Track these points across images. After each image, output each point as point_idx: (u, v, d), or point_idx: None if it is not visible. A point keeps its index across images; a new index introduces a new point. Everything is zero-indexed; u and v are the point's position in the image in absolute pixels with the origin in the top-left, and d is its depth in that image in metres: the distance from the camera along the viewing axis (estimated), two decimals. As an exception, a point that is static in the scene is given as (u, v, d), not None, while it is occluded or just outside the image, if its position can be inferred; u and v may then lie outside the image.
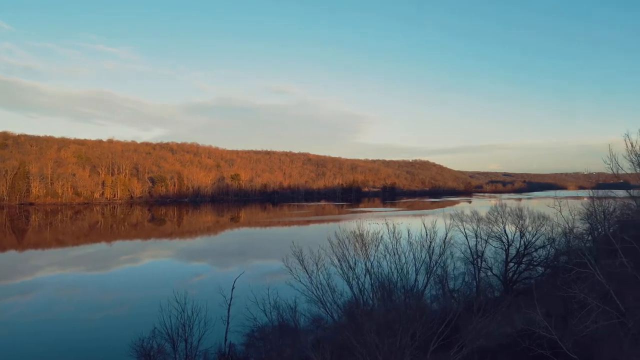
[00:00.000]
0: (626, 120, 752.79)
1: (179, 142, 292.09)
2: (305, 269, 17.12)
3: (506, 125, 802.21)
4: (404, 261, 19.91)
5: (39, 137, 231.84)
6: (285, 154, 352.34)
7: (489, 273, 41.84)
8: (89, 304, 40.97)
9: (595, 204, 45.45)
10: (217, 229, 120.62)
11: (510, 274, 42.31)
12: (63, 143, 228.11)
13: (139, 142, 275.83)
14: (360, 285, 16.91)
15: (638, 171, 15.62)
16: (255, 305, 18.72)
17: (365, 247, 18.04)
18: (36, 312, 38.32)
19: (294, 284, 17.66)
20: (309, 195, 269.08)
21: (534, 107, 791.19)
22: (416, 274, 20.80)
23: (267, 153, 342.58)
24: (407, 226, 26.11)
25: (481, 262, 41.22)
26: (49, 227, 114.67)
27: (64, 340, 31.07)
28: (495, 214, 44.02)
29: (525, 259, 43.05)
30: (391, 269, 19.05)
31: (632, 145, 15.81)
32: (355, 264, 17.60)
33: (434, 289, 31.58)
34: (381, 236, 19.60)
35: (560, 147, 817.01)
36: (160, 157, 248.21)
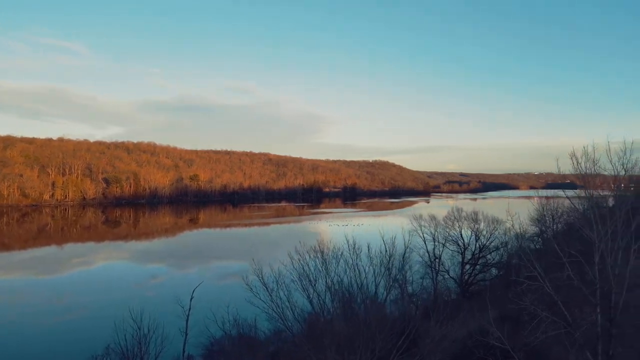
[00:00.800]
0: (578, 123, 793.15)
1: (136, 141, 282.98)
2: (265, 286, 16.92)
3: (463, 126, 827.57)
4: (364, 276, 20.11)
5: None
6: (246, 154, 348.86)
7: (447, 276, 43.07)
8: (34, 315, 38.64)
9: (544, 209, 47.76)
10: (175, 231, 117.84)
11: (466, 277, 43.73)
12: (9, 141, 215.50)
13: (92, 140, 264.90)
14: (321, 301, 16.91)
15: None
16: (214, 323, 18.37)
17: (326, 262, 18.07)
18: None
19: (254, 301, 17.42)
20: (269, 196, 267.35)
21: (490, 108, 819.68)
22: (376, 287, 21.05)
23: (227, 153, 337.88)
24: (368, 241, 26.38)
25: (439, 266, 42.36)
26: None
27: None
28: (452, 218, 45.37)
29: (480, 262, 44.68)
30: (352, 283, 19.18)
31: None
32: (316, 279, 17.60)
33: (393, 295, 32.15)
34: (342, 252, 19.65)
35: (513, 148, 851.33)
36: (115, 157, 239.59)
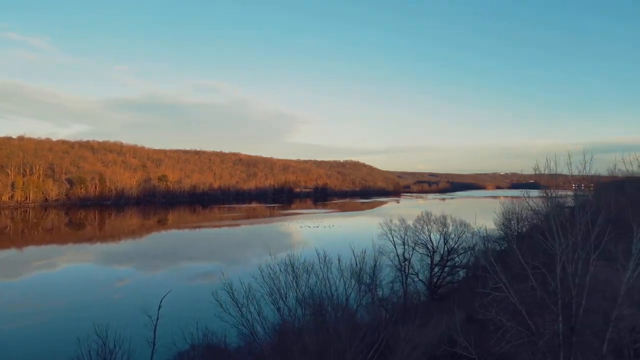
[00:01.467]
0: (542, 125, 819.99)
1: (101, 140, 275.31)
2: (235, 302, 16.72)
3: (433, 127, 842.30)
4: (334, 284, 20.17)
5: None
6: (216, 153, 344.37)
7: (416, 279, 43.78)
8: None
9: (510, 212, 49.25)
10: (143, 233, 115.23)
11: (435, 279, 44.55)
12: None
13: (54, 139, 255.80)
14: (292, 314, 16.84)
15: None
16: (183, 337, 18.02)
17: (297, 276, 18.02)
18: None
19: (224, 316, 17.17)
20: (240, 196, 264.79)
21: (458, 109, 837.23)
22: (347, 296, 21.14)
23: (197, 153, 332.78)
24: (339, 246, 26.50)
25: (409, 269, 42.99)
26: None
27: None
28: (422, 222, 46.11)
29: (448, 264, 45.60)
30: (322, 293, 19.19)
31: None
32: (286, 293, 17.50)
33: (364, 300, 32.37)
34: (312, 266, 19.61)
35: (481, 149, 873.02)
36: (79, 157, 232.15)
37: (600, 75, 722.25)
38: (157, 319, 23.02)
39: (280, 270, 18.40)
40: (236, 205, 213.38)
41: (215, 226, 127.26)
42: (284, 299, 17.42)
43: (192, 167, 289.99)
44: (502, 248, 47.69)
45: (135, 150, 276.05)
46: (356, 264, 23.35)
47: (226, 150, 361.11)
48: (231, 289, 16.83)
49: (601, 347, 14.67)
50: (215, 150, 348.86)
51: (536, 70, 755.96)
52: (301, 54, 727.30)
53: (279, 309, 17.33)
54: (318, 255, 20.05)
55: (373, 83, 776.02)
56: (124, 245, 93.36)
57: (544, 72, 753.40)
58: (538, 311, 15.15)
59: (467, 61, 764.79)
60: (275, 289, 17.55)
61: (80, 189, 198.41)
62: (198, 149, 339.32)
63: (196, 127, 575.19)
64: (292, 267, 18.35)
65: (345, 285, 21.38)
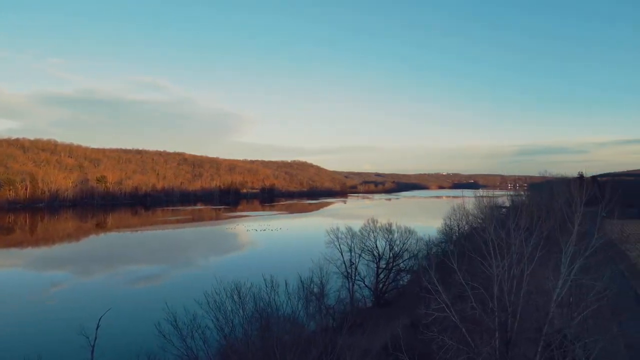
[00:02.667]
0: (482, 126, 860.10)
1: (33, 138, 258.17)
2: (179, 331, 16.18)
3: (379, 127, 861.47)
4: (282, 301, 20.12)
5: None
6: (159, 153, 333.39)
7: (362, 285, 44.59)
8: None
9: (451, 219, 51.32)
10: (80, 237, 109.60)
11: (381, 285, 45.56)
12: None
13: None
14: (239, 337, 16.57)
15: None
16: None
17: (242, 302, 17.75)
18: None
19: (167, 347, 16.57)
20: (184, 198, 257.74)
21: (402, 110, 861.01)
22: (294, 311, 21.13)
23: (139, 152, 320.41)
24: (286, 254, 26.39)
25: (355, 276, 43.72)
26: None
27: None
28: (368, 229, 47.01)
29: (393, 269, 46.75)
30: (269, 311, 19.06)
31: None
32: (232, 319, 17.19)
33: (312, 309, 32.50)
34: (259, 288, 19.40)
35: (424, 149, 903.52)
36: (8, 156, 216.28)
37: (537, 80, 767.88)
38: (95, 339, 21.91)
39: (227, 295, 18.05)
40: (181, 207, 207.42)
41: (158, 230, 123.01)
42: (231, 324, 17.09)
43: (133, 167, 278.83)
44: (444, 249, 49.53)
45: (71, 150, 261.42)
46: (303, 279, 23.36)
47: (170, 149, 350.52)
48: (175, 320, 16.28)
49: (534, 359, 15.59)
50: (159, 150, 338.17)
51: (477, 73, 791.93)
52: (248, 53, 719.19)
53: (224, 335, 16.98)
54: (264, 278, 19.85)
55: (320, 83, 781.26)
56: (58, 250, 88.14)
57: (484, 75, 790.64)
58: (478, 328, 15.88)
59: (413, 62, 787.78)
60: (222, 316, 17.18)
61: (9, 190, 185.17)
62: (140, 148, 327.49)
63: (138, 125, 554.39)
64: (239, 292, 18.06)
65: (292, 297, 21.39)
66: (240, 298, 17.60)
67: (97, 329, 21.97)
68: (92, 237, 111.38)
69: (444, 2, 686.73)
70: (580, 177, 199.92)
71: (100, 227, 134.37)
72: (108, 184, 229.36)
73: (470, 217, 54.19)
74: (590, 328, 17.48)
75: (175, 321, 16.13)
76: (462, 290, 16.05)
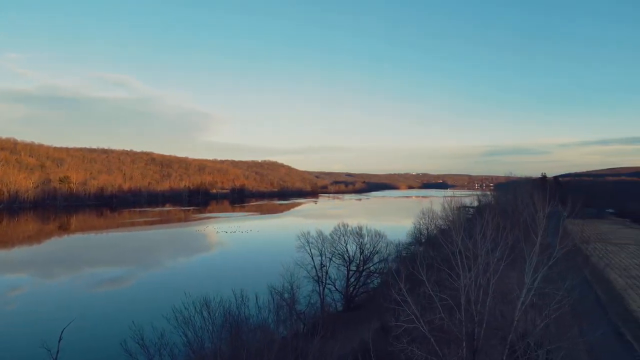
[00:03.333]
0: (450, 126, 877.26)
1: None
2: (146, 349, 15.69)
3: (349, 127, 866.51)
4: (252, 308, 19.95)
5: None
6: (126, 152, 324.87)
7: (333, 289, 44.75)
8: None
9: (420, 222, 52.11)
10: (41, 239, 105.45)
11: (351, 289, 45.84)
12: None
13: None
14: (209, 355, 16.26)
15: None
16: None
17: (212, 317, 17.46)
18: None
19: (133, 366, 16.11)
20: (152, 199, 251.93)
21: (372, 111, 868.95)
22: (265, 318, 20.97)
23: (104, 152, 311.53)
24: (255, 261, 26.14)
25: (326, 280, 43.82)
26: None
27: None
28: (339, 232, 47.21)
29: (364, 273, 47.12)
30: (240, 319, 18.85)
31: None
32: (202, 334, 16.88)
33: (282, 315, 32.38)
34: (228, 302, 19.13)
35: (394, 150, 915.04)
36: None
37: (501, 82, 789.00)
38: (58, 352, 21.10)
39: (195, 310, 17.72)
40: (148, 209, 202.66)
41: (124, 232, 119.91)
42: (200, 340, 16.75)
43: (98, 167, 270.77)
44: (413, 253, 50.26)
45: (32, 149, 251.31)
46: (274, 285, 23.21)
47: (137, 149, 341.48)
48: (142, 338, 15.80)
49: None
50: (125, 149, 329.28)
51: (445, 74, 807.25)
52: (217, 52, 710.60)
53: (193, 350, 16.63)
54: (234, 292, 19.59)
55: (291, 82, 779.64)
56: (17, 254, 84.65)
57: (452, 77, 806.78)
58: (446, 337, 16.18)
59: (383, 61, 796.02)
60: (191, 332, 16.83)
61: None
62: (106, 148, 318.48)
63: (103, 123, 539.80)
64: (208, 307, 17.76)
65: (263, 305, 21.23)
66: (210, 313, 17.31)
67: (59, 341, 21.19)
68: (55, 240, 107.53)
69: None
70: (543, 177, 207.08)
71: (63, 229, 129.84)
72: (72, 184, 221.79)
73: (439, 221, 55.21)
74: (553, 334, 18.10)
75: (142, 339, 15.69)
76: (431, 301, 16.32)
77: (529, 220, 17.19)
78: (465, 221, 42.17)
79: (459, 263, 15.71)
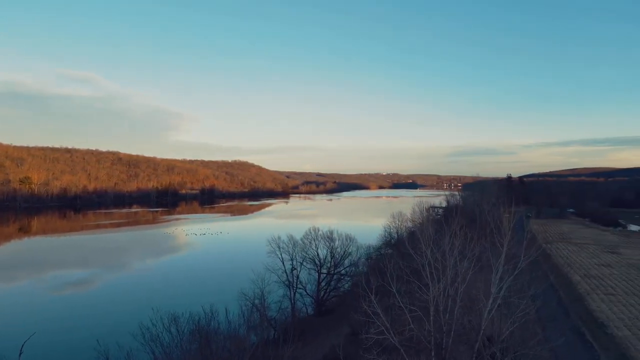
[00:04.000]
0: (419, 126, 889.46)
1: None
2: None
3: (319, 126, 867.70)
4: (223, 317, 19.64)
5: None
6: (91, 152, 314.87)
7: (304, 293, 44.69)
8: None
9: (390, 226, 52.62)
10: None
11: (322, 293, 45.88)
12: None
13: None
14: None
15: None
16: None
17: (180, 333, 17.07)
18: None
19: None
20: (119, 200, 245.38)
21: (342, 110, 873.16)
22: (236, 326, 20.72)
23: (68, 151, 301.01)
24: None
25: (297, 285, 43.70)
26: None
27: None
28: (310, 237, 47.15)
29: (335, 277, 47.26)
30: (209, 329, 18.54)
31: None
32: (171, 352, 16.44)
33: (253, 321, 32.10)
34: (197, 317, 18.77)
35: (364, 150, 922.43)
36: None
37: (468, 84, 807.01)
38: (19, 367, 20.27)
39: (164, 326, 17.28)
40: (115, 210, 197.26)
41: (88, 235, 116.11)
42: (169, 357, 16.35)
43: (62, 167, 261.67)
44: (384, 254, 50.79)
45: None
46: (245, 291, 22.95)
47: (103, 148, 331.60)
48: (107, 356, 15.28)
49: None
50: (90, 149, 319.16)
51: (413, 75, 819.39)
52: (187, 51, 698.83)
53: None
54: (203, 309, 19.24)
55: (261, 82, 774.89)
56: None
57: (421, 77, 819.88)
58: (416, 347, 16.39)
59: (352, 61, 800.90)
60: (159, 349, 16.41)
61: None
62: (69, 147, 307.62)
63: (67, 122, 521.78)
64: (176, 323, 17.34)
65: (234, 312, 20.93)
66: (178, 329, 16.90)
67: (20, 354, 20.40)
68: (13, 244, 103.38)
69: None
70: (509, 178, 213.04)
71: (23, 231, 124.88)
72: (33, 185, 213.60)
73: (409, 223, 55.94)
74: (518, 341, 18.61)
75: (108, 356, 15.16)
76: (401, 312, 16.48)
77: (495, 226, 17.58)
78: (434, 223, 42.93)
79: (428, 275, 15.93)
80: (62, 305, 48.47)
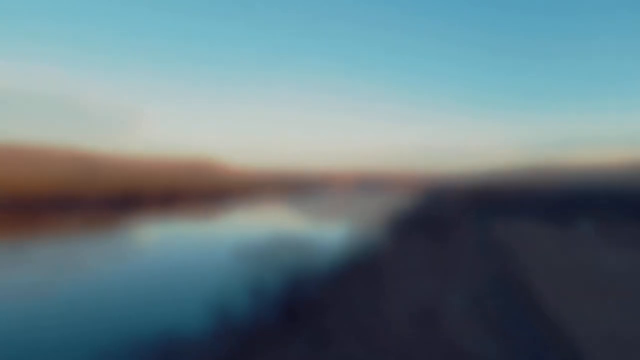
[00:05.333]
0: (387, 124, 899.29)
1: None
2: None
3: (284, 124, 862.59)
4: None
5: None
6: (42, 149, 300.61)
7: (270, 304, 42.22)
8: None
9: (357, 231, 50.50)
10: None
11: (289, 304, 43.55)
12: None
13: None
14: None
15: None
16: None
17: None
18: None
19: None
20: (72, 203, 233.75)
21: (310, 106, 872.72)
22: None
23: (15, 147, 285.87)
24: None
25: (262, 295, 41.20)
26: None
27: None
28: (274, 241, 44.79)
29: (301, 286, 45.09)
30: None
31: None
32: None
33: (217, 338, 29.47)
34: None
35: (330, 147, 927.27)
36: None
37: (436, 85, 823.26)
38: None
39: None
40: (67, 213, 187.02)
41: (35, 241, 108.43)
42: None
43: (8, 165, 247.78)
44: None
45: None
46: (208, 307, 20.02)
47: (56, 145, 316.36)
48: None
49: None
50: (42, 146, 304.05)
51: (382, 70, 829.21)
52: (146, 47, 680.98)
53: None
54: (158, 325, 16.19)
55: (226, 78, 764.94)
56: None
57: (390, 72, 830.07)
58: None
59: (317, 57, 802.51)
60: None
61: None
62: (17, 143, 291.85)
63: (17, 117, 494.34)
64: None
65: (193, 330, 18.40)
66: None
67: None
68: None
69: None
70: (474, 180, 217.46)
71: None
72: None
73: (376, 229, 54.30)
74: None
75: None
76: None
77: (460, 232, 15.88)
78: (399, 232, 41.38)
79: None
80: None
